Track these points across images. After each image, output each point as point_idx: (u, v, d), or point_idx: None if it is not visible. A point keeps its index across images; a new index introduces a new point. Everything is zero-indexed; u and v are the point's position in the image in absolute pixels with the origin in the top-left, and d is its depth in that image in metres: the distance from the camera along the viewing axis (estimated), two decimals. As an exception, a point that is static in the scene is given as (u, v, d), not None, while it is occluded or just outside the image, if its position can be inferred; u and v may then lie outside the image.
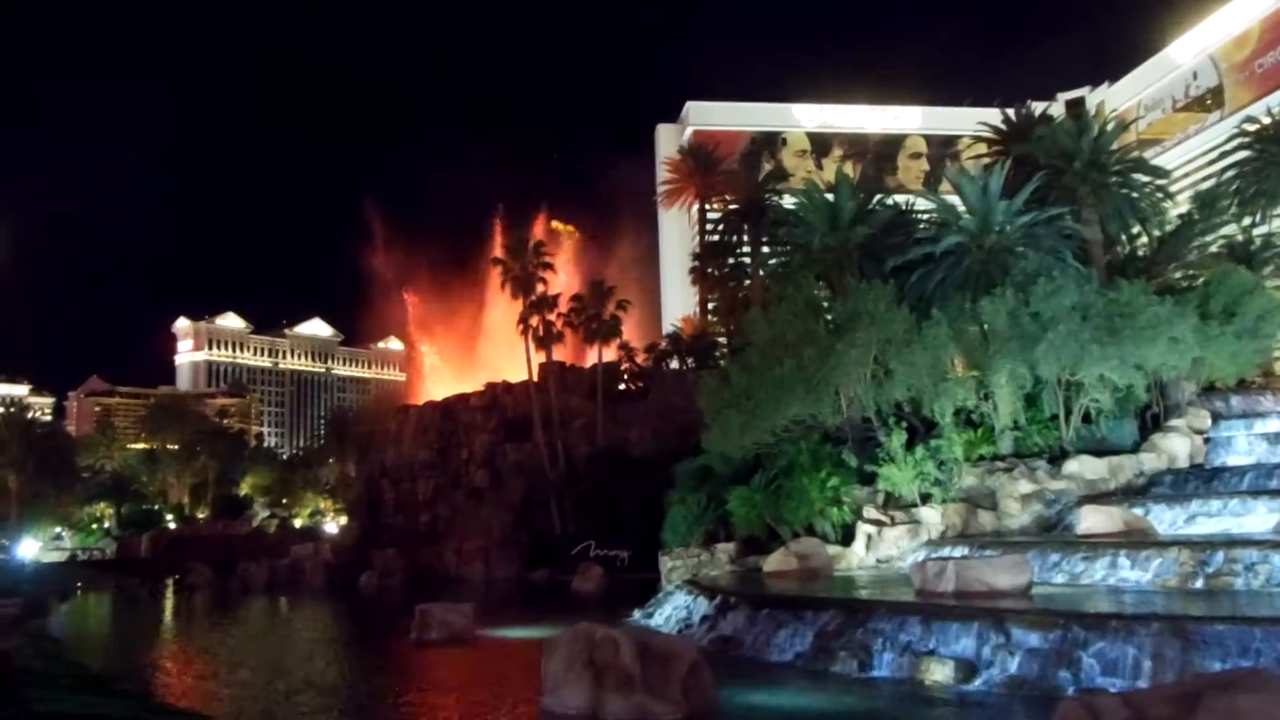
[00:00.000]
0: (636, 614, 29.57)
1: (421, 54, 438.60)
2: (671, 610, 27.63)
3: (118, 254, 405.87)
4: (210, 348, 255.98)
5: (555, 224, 73.06)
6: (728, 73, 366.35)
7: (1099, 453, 32.71)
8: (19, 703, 12.93)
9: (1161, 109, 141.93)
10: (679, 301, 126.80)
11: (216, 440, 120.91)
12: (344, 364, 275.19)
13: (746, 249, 78.38)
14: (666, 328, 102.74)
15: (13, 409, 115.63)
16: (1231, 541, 22.19)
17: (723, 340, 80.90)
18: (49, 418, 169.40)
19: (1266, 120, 56.44)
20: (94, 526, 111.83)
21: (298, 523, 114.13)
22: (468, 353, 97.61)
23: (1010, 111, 61.14)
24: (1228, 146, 57.85)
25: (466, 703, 19.31)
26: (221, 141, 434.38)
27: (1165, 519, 26.80)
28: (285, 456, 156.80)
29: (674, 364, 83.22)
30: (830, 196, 48.50)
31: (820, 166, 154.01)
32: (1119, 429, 34.09)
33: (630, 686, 15.91)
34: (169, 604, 56.59)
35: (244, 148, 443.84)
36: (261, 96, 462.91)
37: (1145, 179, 47.07)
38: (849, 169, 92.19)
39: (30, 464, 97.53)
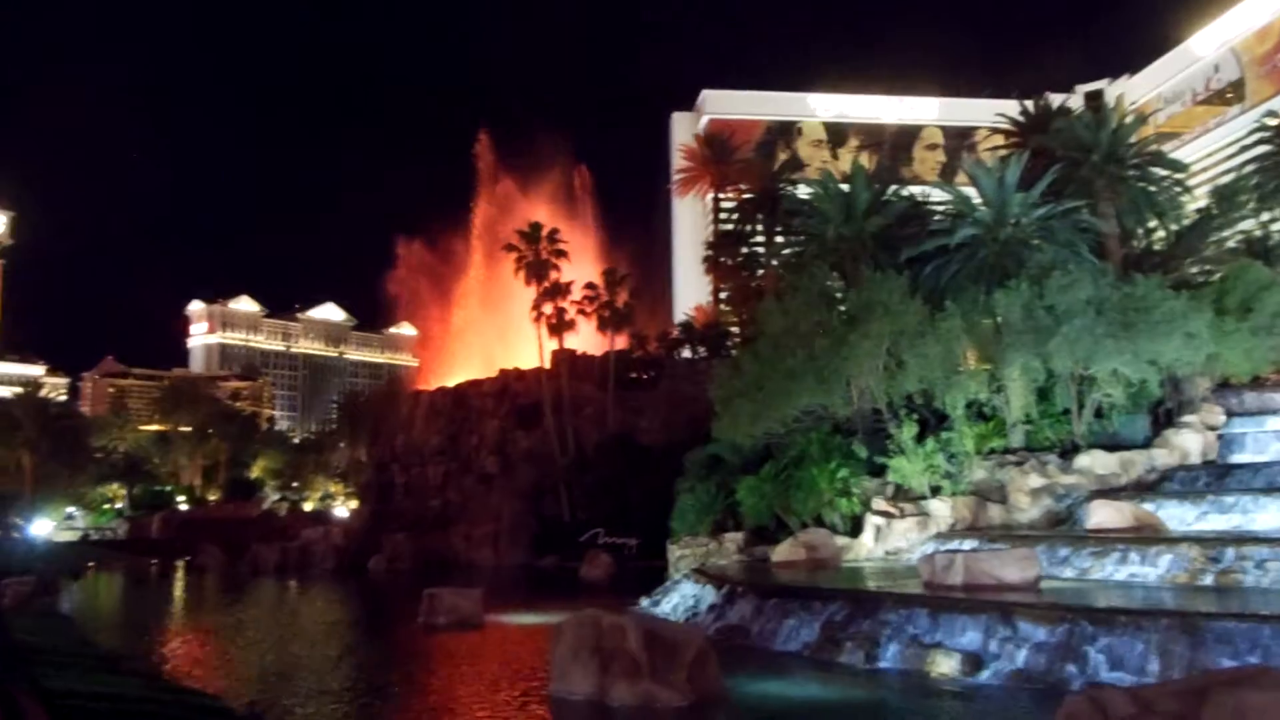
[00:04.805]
0: (644, 602, 29.61)
1: (435, 35, 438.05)
2: (679, 598, 27.67)
3: (133, 237, 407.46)
4: (223, 330, 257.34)
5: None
6: (744, 61, 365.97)
7: (1111, 448, 32.56)
8: (30, 680, 13.01)
9: (1181, 102, 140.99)
10: (692, 290, 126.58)
11: (228, 423, 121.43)
12: (356, 348, 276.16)
13: (761, 238, 78.13)
14: (679, 316, 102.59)
15: (28, 389, 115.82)
16: (1242, 538, 22.09)
17: (735, 330, 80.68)
18: (64, 398, 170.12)
19: (1287, 115, 56.00)
20: (106, 507, 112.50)
21: (308, 506, 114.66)
22: (476, 338, 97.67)
23: (1028, 103, 60.66)
24: (1248, 140, 57.39)
25: (473, 687, 19.38)
26: (237, 125, 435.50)
27: (1176, 515, 26.67)
28: (297, 440, 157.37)
29: (686, 353, 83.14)
30: (845, 187, 48.34)
31: (836, 156, 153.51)
32: (1131, 424, 33.90)
33: (637, 673, 15.96)
34: (179, 584, 56.98)
35: (260, 131, 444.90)
36: (279, 80, 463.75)
37: (1163, 173, 46.74)
38: (865, 159, 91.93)
39: (44, 444, 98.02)
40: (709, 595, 25.79)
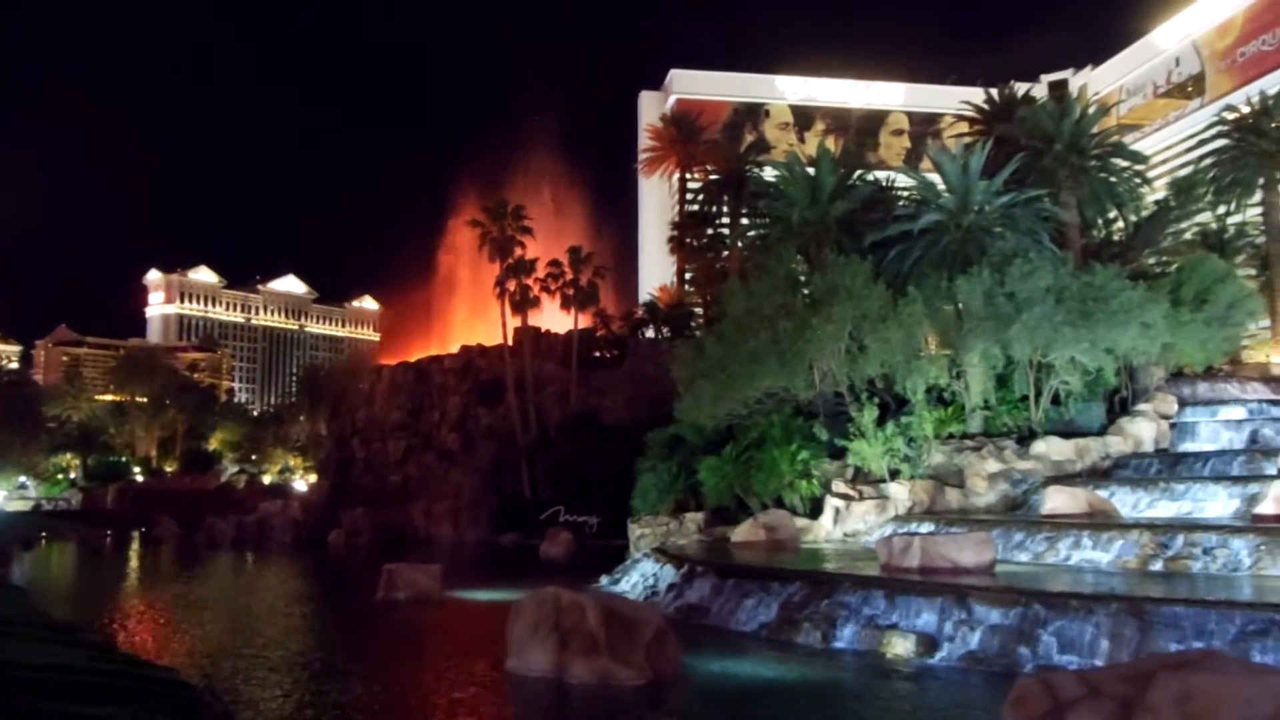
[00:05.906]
0: (604, 580, 29.70)
1: (403, 10, 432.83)
2: (638, 577, 27.76)
3: (90, 203, 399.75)
4: (182, 301, 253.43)
5: None
6: (713, 41, 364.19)
7: (1066, 434, 33.05)
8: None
9: (1143, 94, 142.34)
10: (656, 270, 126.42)
11: (186, 394, 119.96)
12: (317, 321, 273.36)
13: (726, 220, 78.12)
14: (643, 296, 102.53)
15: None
16: (1192, 526, 22.50)
17: (699, 310, 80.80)
18: (15, 366, 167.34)
19: (1246, 109, 56.57)
20: (60, 477, 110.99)
21: (267, 479, 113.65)
22: (440, 314, 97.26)
23: (993, 91, 61.12)
24: (1206, 134, 57.95)
25: (431, 663, 19.39)
26: (197, 94, 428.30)
27: (1128, 502, 27.14)
28: (256, 413, 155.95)
29: (649, 333, 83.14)
30: (811, 170, 48.44)
31: (802, 140, 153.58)
32: (1087, 411, 34.43)
33: (595, 651, 16.02)
34: (134, 556, 56.35)
35: (220, 101, 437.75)
36: (240, 50, 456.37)
37: (1124, 164, 47.31)
38: (831, 143, 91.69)
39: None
40: (668, 574, 25.90)
